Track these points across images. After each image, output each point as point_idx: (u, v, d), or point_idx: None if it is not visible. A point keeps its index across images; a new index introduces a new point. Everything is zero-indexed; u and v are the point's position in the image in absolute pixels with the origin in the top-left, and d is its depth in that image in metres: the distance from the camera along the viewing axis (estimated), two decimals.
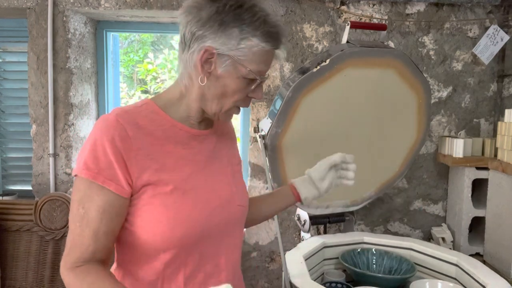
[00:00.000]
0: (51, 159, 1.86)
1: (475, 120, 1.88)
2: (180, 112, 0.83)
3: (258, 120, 1.42)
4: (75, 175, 0.74)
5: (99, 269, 0.73)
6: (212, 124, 0.90)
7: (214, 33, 0.74)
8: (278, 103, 1.33)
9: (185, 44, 0.78)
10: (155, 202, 0.75)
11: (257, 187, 1.89)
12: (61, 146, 1.88)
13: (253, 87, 0.81)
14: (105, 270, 0.74)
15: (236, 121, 2.07)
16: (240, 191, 0.90)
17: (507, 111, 1.55)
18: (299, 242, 1.48)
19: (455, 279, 1.28)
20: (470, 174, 1.69)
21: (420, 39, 1.83)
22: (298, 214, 1.57)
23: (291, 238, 1.91)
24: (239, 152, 1.02)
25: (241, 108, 0.86)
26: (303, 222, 1.54)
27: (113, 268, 0.85)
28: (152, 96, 0.88)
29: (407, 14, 1.82)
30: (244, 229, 1.06)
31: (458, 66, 1.86)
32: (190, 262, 0.80)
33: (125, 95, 4.39)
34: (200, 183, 0.81)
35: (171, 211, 0.75)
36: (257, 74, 0.78)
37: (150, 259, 0.78)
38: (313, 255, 1.38)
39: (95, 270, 0.72)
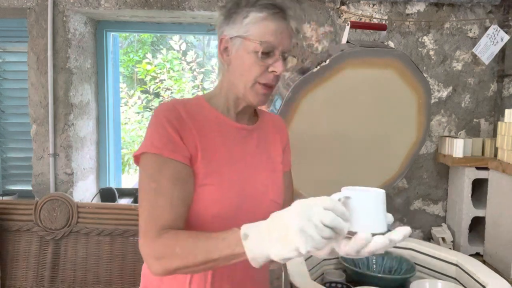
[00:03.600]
0: (51, 159, 1.86)
1: (475, 120, 1.88)
2: (221, 104, 0.91)
3: None
4: (142, 153, 0.82)
5: (186, 230, 0.77)
6: (257, 121, 0.98)
7: (224, 24, 0.88)
8: (278, 103, 1.34)
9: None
10: (194, 182, 0.83)
11: None
12: (61, 146, 1.88)
13: (271, 61, 0.87)
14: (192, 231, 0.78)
15: None
16: (276, 187, 0.94)
17: (507, 111, 1.55)
18: None
19: (455, 279, 1.28)
20: (470, 174, 1.69)
21: (420, 39, 1.83)
22: None
23: None
24: None
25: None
26: None
27: None
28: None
29: (407, 14, 1.82)
30: None
31: (458, 66, 1.86)
32: None
33: (125, 95, 4.40)
34: (238, 171, 0.88)
35: (206, 191, 0.83)
36: (265, 44, 0.85)
37: None
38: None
39: (182, 231, 0.77)
